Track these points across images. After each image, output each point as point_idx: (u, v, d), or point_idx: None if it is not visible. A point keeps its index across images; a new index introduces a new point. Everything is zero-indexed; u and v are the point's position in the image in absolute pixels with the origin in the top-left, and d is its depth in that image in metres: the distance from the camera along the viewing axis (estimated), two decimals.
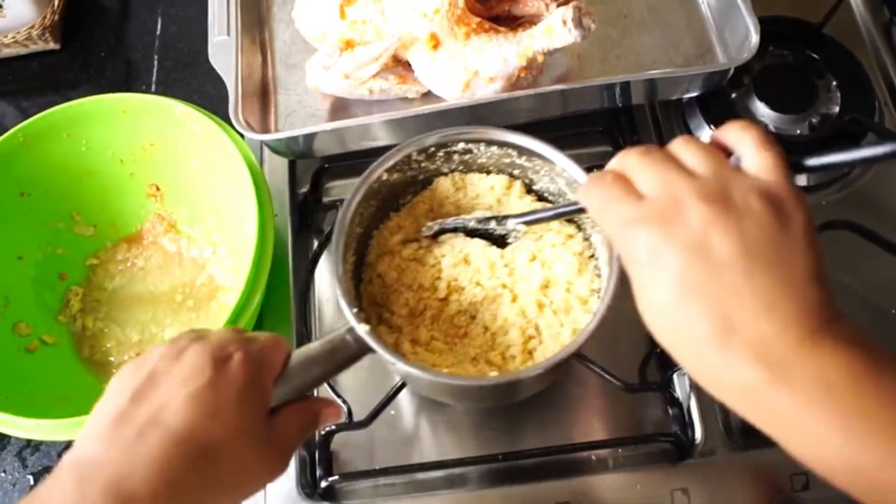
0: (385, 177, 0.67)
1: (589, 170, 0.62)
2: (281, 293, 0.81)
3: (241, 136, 0.78)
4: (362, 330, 0.57)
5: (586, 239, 0.67)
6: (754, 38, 0.76)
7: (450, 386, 0.61)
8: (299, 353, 0.56)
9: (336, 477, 0.73)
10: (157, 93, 0.93)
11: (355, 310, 0.59)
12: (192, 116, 0.79)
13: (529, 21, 0.80)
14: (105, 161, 0.84)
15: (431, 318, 0.66)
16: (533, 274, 0.65)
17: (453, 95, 0.78)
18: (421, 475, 0.73)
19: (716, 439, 0.72)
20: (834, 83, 0.84)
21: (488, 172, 0.71)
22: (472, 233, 0.68)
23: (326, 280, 0.83)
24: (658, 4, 0.86)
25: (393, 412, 0.75)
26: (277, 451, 0.53)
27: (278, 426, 0.53)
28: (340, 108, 0.83)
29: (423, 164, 0.69)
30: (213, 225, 0.86)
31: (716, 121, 0.83)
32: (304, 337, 0.77)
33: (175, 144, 0.83)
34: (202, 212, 0.86)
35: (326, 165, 0.86)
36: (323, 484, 0.72)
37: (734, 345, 0.43)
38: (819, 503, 0.68)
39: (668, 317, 0.45)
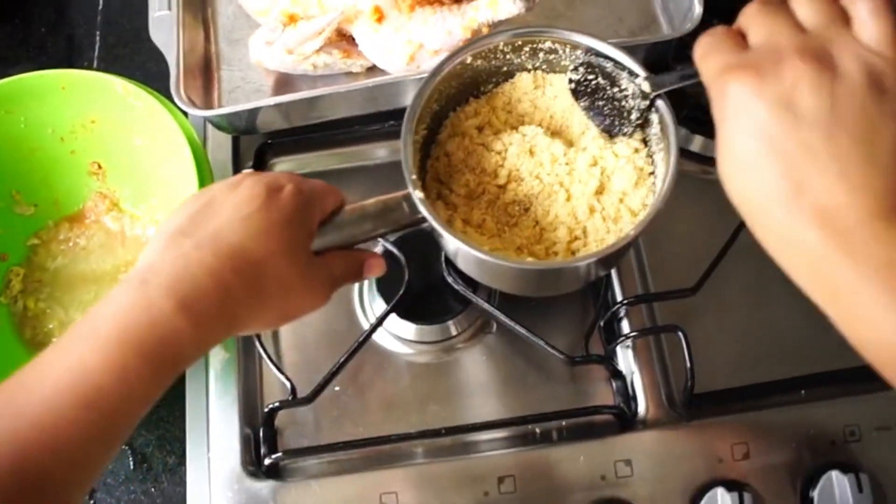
0: (469, 60, 0.68)
1: None
2: None
3: (184, 113, 0.77)
4: (417, 196, 0.60)
5: (650, 156, 0.67)
6: (697, 9, 0.77)
7: (487, 264, 0.62)
8: (353, 207, 0.62)
9: (280, 454, 0.72)
10: (99, 69, 0.91)
11: (413, 176, 0.61)
12: (133, 93, 0.78)
13: None
14: (45, 138, 0.83)
15: (487, 203, 0.67)
16: (591, 178, 0.66)
17: (398, 69, 0.78)
18: (366, 451, 0.73)
19: (658, 411, 0.72)
20: None
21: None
22: (594, 91, 0.67)
23: None
24: None
25: (337, 388, 0.75)
26: (319, 283, 0.59)
27: (322, 262, 0.59)
28: (284, 83, 0.82)
29: (508, 56, 0.69)
30: (156, 203, 0.84)
31: None
32: None
33: (117, 122, 0.81)
34: (145, 190, 0.85)
35: (270, 142, 0.85)
36: (267, 461, 0.72)
37: (802, 206, 0.42)
38: (758, 472, 0.69)
39: (743, 171, 0.45)
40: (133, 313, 0.48)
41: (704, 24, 0.77)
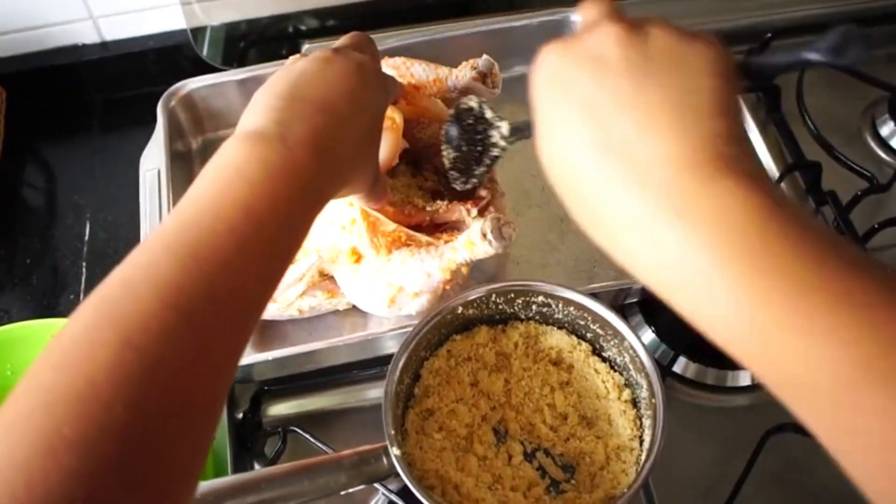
0: (461, 311, 0.70)
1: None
2: None
3: None
4: (394, 453, 0.61)
5: (639, 419, 0.68)
6: None
7: None
8: (328, 458, 0.63)
9: None
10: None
11: (392, 432, 0.61)
12: None
13: (453, 226, 0.79)
14: None
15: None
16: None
17: (380, 311, 0.77)
18: None
19: None
20: None
21: (561, 328, 0.72)
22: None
23: None
24: None
25: None
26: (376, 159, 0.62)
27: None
28: (273, 328, 0.80)
29: (500, 306, 0.71)
30: None
31: (657, 321, 0.83)
32: None
33: None
34: None
35: (266, 388, 0.83)
36: None
37: (610, 162, 0.39)
38: None
39: (553, 138, 0.44)
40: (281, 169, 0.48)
41: None
